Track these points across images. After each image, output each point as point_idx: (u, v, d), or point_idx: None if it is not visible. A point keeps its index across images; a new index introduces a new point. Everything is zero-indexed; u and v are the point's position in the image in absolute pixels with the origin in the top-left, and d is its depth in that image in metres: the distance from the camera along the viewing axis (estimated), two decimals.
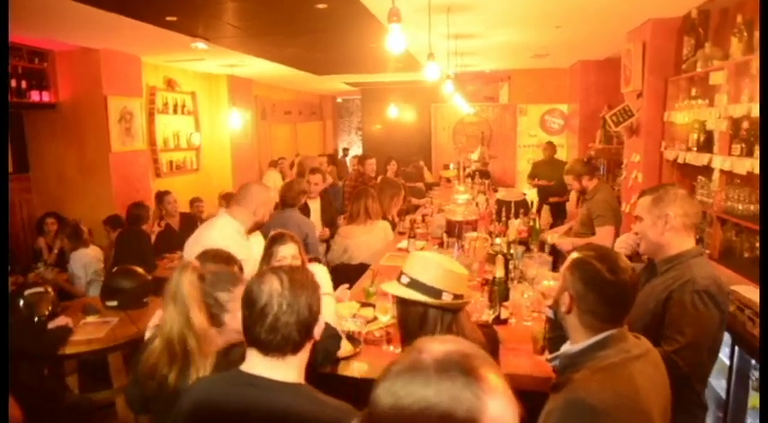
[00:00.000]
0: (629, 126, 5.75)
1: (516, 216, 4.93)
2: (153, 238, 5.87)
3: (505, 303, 2.94)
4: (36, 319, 3.54)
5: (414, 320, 1.88)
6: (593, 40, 6.86)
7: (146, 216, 5.67)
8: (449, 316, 1.87)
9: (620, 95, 6.05)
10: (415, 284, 1.87)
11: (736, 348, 3.10)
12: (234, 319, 1.88)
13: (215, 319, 1.90)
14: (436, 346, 0.88)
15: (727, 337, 3.21)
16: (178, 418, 1.54)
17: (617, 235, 4.37)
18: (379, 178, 6.52)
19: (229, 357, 1.83)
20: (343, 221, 4.94)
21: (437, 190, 8.08)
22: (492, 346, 2.05)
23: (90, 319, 3.82)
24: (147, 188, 7.21)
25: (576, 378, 1.52)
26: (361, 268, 4.15)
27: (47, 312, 3.61)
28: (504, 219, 4.87)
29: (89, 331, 3.60)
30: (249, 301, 1.53)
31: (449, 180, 8.69)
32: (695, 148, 4.63)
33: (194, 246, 2.87)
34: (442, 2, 4.68)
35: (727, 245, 4.17)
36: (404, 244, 4.60)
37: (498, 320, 2.91)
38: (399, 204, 5.40)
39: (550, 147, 8.57)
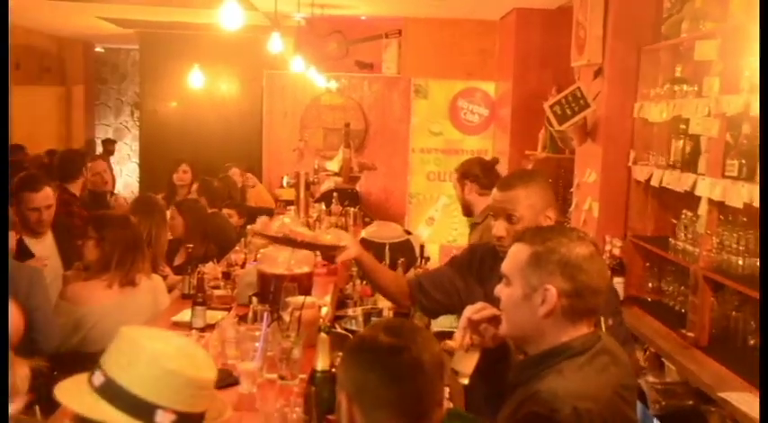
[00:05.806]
0: (580, 124, 4.97)
1: (393, 268, 4.13)
2: None
3: (332, 416, 2.37)
4: None
5: None
6: None
7: None
8: None
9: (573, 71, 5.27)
10: (110, 391, 1.36)
11: None
12: None
13: None
14: None
15: None
16: None
17: None
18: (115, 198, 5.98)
19: None
20: (76, 273, 4.00)
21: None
22: None
23: None
24: None
25: None
26: None
27: None
28: None
29: None
30: None
31: (289, 204, 6.60)
32: (679, 164, 4.06)
33: None
34: None
35: (722, 324, 3.50)
36: (185, 316, 3.66)
37: None
38: (165, 227, 4.68)
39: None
